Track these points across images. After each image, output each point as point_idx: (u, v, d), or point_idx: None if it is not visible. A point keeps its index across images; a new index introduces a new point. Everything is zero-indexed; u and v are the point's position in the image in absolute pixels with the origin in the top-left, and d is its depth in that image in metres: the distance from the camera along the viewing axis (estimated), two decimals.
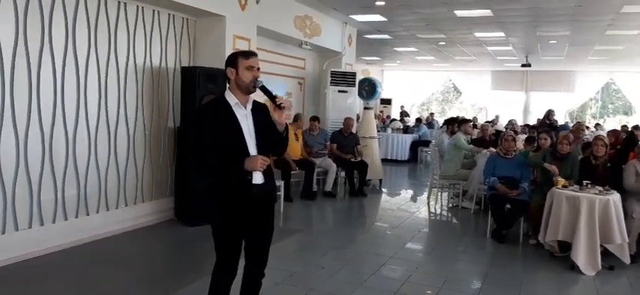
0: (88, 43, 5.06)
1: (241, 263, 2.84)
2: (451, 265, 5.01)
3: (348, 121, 8.45)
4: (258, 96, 2.87)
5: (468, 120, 8.65)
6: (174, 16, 6.12)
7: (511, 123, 13.65)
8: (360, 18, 9.41)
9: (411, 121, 16.42)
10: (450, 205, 7.89)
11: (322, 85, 9.65)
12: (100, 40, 5.18)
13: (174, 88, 6.15)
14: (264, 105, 2.94)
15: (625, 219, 4.86)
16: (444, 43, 12.44)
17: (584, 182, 5.04)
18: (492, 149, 7.13)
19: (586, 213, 4.69)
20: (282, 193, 6.77)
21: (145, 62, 5.76)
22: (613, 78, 17.92)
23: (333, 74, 9.28)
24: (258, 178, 2.74)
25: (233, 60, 2.79)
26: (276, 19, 7.58)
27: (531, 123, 14.13)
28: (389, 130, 14.01)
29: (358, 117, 10.40)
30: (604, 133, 9.21)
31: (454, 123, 8.91)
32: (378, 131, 13.81)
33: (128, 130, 5.61)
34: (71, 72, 4.90)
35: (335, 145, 8.29)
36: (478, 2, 7.83)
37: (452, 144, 7.60)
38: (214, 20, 6.30)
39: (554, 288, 4.42)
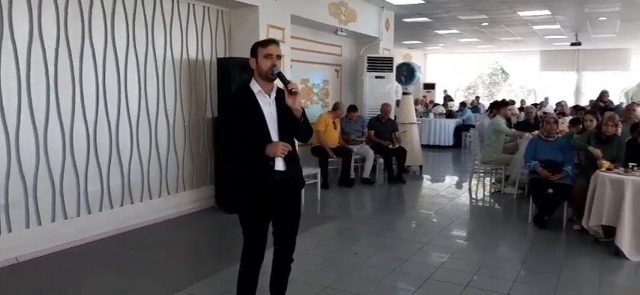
0: (126, 38, 5.25)
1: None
2: (488, 251, 4.91)
3: (385, 107, 8.38)
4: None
5: (507, 103, 8.39)
6: (208, 8, 6.25)
7: (560, 105, 13.12)
8: (397, 1, 9.26)
9: (455, 106, 16.07)
10: (492, 191, 7.71)
11: (359, 72, 9.60)
12: (137, 35, 5.37)
13: (211, 79, 6.30)
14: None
15: None
16: (486, 24, 12.07)
17: (630, 164, 4.82)
18: (535, 132, 6.89)
19: (631, 197, 4.49)
20: (318, 180, 6.83)
21: (181, 55, 5.92)
22: None
23: (370, 60, 9.21)
24: (279, 164, 2.79)
25: (254, 50, 2.84)
26: (310, 7, 7.59)
27: (582, 105, 13.54)
28: (431, 115, 13.78)
29: (397, 103, 10.31)
30: None
31: (502, 107, 8.64)
32: (421, 116, 13.67)
33: (168, 121, 5.81)
34: (111, 67, 5.12)
35: (372, 132, 8.25)
36: None
37: (492, 128, 7.40)
38: (248, 11, 6.39)
39: (595, 274, 4.26)
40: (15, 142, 4.29)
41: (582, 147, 5.52)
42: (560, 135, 6.12)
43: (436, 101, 17.35)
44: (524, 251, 4.82)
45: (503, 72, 22.06)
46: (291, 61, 7.41)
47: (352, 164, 7.87)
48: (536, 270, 4.30)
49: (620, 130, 6.14)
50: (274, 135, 2.80)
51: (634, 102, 9.00)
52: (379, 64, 9.25)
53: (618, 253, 4.53)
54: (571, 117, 7.56)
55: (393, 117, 8.79)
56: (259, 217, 2.86)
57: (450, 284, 3.89)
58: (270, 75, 2.76)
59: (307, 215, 5.98)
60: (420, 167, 9.15)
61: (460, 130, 13.30)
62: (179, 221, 5.72)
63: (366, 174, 7.97)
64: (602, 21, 11.19)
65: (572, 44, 13.79)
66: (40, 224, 4.51)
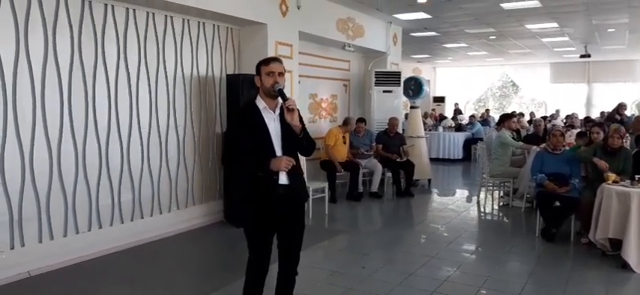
0: (138, 55, 5.39)
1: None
2: (495, 265, 4.92)
3: (392, 121, 8.43)
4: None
5: (512, 116, 8.39)
6: (218, 26, 6.38)
7: (570, 118, 13.07)
8: (405, 17, 9.36)
9: (465, 119, 16.07)
10: (501, 204, 7.70)
11: (367, 86, 9.68)
12: (149, 53, 5.50)
13: (220, 95, 6.42)
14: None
15: None
16: (494, 37, 12.13)
17: (637, 176, 4.81)
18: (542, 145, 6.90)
19: (637, 209, 4.49)
20: (326, 194, 6.88)
21: (192, 71, 6.05)
22: None
23: (378, 74, 9.29)
24: (283, 178, 2.86)
25: (258, 68, 2.94)
26: (318, 24, 7.71)
27: (593, 117, 13.45)
28: (440, 129, 13.80)
29: (406, 117, 10.36)
30: None
31: (507, 119, 8.66)
32: (430, 130, 13.70)
33: (178, 137, 5.92)
34: (123, 83, 5.25)
35: (380, 146, 8.30)
36: None
37: (498, 141, 7.42)
38: (256, 28, 6.51)
39: (602, 287, 4.24)
40: (29, 158, 4.41)
41: (587, 159, 5.52)
42: (567, 148, 6.12)
43: (445, 114, 17.37)
44: (531, 265, 4.82)
45: (514, 84, 22.00)
46: (300, 76, 7.51)
47: (360, 178, 7.92)
48: (543, 283, 4.30)
49: (628, 143, 6.15)
50: (278, 150, 2.88)
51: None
52: (387, 79, 9.33)
53: (625, 266, 4.51)
54: (578, 130, 7.53)
55: (401, 131, 8.84)
56: (264, 230, 2.94)
57: None
58: (273, 92, 2.84)
59: (315, 229, 6.10)
60: (429, 181, 9.17)
61: (469, 144, 13.29)
62: (188, 236, 5.81)
63: (374, 187, 8.01)
64: (611, 33, 11.18)
65: (582, 56, 13.76)
66: (52, 238, 4.62)
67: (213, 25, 6.32)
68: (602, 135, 5.94)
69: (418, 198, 8.16)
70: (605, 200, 4.75)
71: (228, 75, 6.39)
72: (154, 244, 5.41)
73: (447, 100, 19.68)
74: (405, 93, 9.40)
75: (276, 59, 2.99)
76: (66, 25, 4.66)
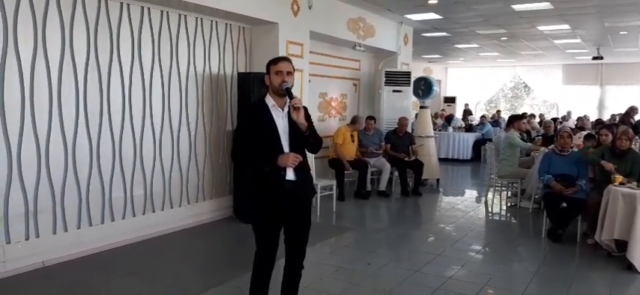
0: (152, 53, 5.51)
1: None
2: (499, 264, 4.97)
3: (402, 121, 8.48)
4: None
5: (521, 117, 8.41)
6: (230, 25, 6.49)
7: (581, 120, 13.01)
8: (415, 17, 9.40)
9: (475, 119, 16.05)
10: (508, 204, 7.72)
11: (377, 86, 9.73)
12: (162, 51, 5.62)
13: (231, 93, 6.52)
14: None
15: None
16: (506, 38, 12.10)
17: None
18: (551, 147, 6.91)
19: None
20: (334, 192, 6.96)
21: (204, 70, 6.16)
22: None
23: (388, 74, 9.34)
24: (290, 174, 2.95)
25: (267, 67, 3.03)
26: (329, 23, 7.78)
27: (605, 119, 13.37)
28: (450, 129, 13.81)
29: (417, 116, 10.40)
30: None
31: (516, 121, 8.67)
32: (440, 130, 13.72)
33: (190, 133, 6.03)
34: (137, 81, 5.37)
35: (389, 145, 8.36)
36: None
37: (506, 142, 7.44)
38: (268, 27, 6.60)
39: (605, 288, 4.28)
40: (45, 152, 4.54)
41: (594, 161, 5.54)
42: (575, 149, 6.14)
43: (456, 115, 17.35)
44: (536, 265, 4.86)
45: (526, 86, 21.89)
46: (310, 75, 7.59)
47: (368, 176, 7.99)
48: (546, 283, 4.35)
49: (637, 146, 6.14)
50: (286, 147, 2.96)
51: None
52: (397, 79, 9.37)
53: (630, 267, 4.54)
54: (587, 132, 7.53)
55: (410, 130, 8.89)
56: (271, 224, 3.02)
57: (458, 294, 3.97)
58: (280, 91, 2.93)
59: (323, 226, 6.19)
60: (437, 180, 9.21)
61: (480, 144, 13.28)
62: (198, 230, 5.92)
63: (382, 186, 8.07)
64: (624, 35, 11.11)
65: (594, 58, 13.67)
66: (66, 230, 4.76)
67: (226, 24, 6.43)
68: (610, 137, 5.95)
69: (426, 197, 8.20)
70: (612, 201, 4.77)
71: (239, 74, 6.49)
72: (165, 237, 5.53)
73: (458, 101, 19.65)
74: (415, 93, 9.45)
75: (285, 59, 3.08)
76: (82, 23, 4.79)
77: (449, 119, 15.37)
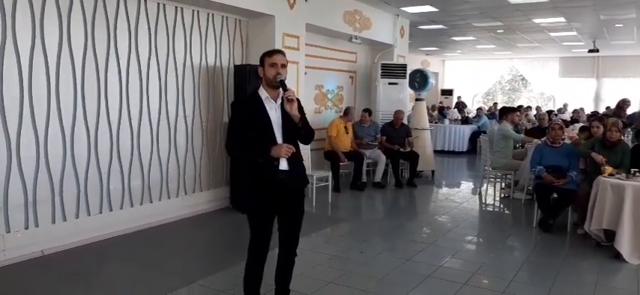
0: (148, 46, 5.57)
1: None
2: (490, 253, 5.07)
3: (398, 114, 8.56)
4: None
5: (515, 109, 8.50)
6: (227, 17, 6.55)
7: (576, 112, 13.10)
8: (412, 9, 9.45)
9: (472, 112, 16.14)
10: (502, 196, 7.82)
11: (373, 78, 9.79)
12: (159, 44, 5.68)
13: (228, 85, 6.59)
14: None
15: None
16: (502, 31, 12.15)
17: (632, 170, 4.93)
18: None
19: (630, 201, 4.61)
20: (330, 183, 7.05)
21: (201, 62, 6.22)
22: None
23: (384, 67, 9.41)
24: (284, 164, 3.03)
25: (261, 59, 3.10)
26: (325, 16, 7.84)
27: (600, 112, 13.45)
28: (446, 121, 13.89)
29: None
30: None
31: (510, 113, 8.75)
32: (436, 122, 13.81)
33: (186, 125, 6.11)
34: (134, 73, 5.44)
35: (384, 137, 8.43)
36: None
37: (500, 133, 7.53)
38: (265, 20, 6.67)
39: (593, 276, 4.37)
40: (43, 143, 4.62)
41: (585, 153, 5.63)
42: (566, 141, 6.23)
43: (448, 107, 17.44)
44: (526, 254, 4.97)
45: (523, 78, 21.95)
46: (307, 67, 7.66)
47: (364, 168, 8.08)
48: (535, 271, 4.45)
49: (630, 138, 6.24)
50: (279, 138, 3.04)
51: None
52: (393, 71, 9.44)
53: (618, 256, 4.64)
54: (581, 124, 7.62)
55: (406, 122, 8.97)
56: (265, 214, 3.10)
57: (448, 282, 4.07)
58: (274, 83, 3.00)
59: (318, 216, 6.29)
60: (432, 172, 9.31)
61: (476, 136, 13.36)
62: (195, 220, 6.01)
63: (378, 178, 8.16)
64: (619, 28, 11.17)
65: (590, 51, 13.73)
66: (65, 220, 4.84)
67: (222, 16, 6.48)
68: (602, 129, 6.03)
69: (421, 188, 8.29)
70: (601, 192, 4.87)
71: (236, 66, 6.56)
72: (162, 227, 5.62)
73: (455, 93, 19.71)
74: (411, 85, 9.52)
75: (279, 51, 3.15)
76: (80, 16, 4.85)
77: (441, 110, 15.49)
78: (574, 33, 12.05)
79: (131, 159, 5.48)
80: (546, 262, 4.68)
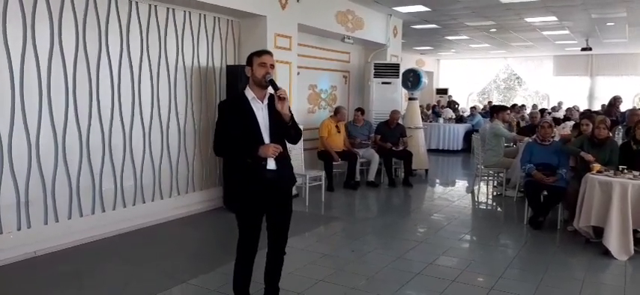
0: (140, 47, 5.59)
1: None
2: (480, 250, 5.11)
3: (394, 114, 8.58)
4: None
5: (506, 107, 8.56)
6: (219, 18, 6.57)
7: (570, 110, 13.16)
8: (404, 9, 9.49)
9: (466, 110, 16.20)
10: (495, 194, 7.87)
11: (366, 78, 9.83)
12: (151, 44, 5.70)
13: (220, 85, 6.61)
14: None
15: None
16: (495, 30, 12.21)
17: (621, 167, 4.98)
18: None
19: (618, 198, 4.65)
20: (323, 183, 7.08)
21: (193, 62, 6.24)
22: None
23: (377, 66, 9.45)
24: (271, 164, 3.06)
25: (249, 59, 3.12)
26: (318, 16, 7.87)
27: (594, 110, 13.51)
28: (441, 120, 13.95)
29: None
30: None
31: (501, 111, 8.81)
32: (431, 121, 13.87)
33: (179, 125, 6.13)
34: (126, 73, 5.45)
35: (379, 136, 8.47)
36: None
37: (492, 132, 7.58)
38: (257, 20, 6.69)
39: (581, 272, 4.41)
40: (35, 144, 4.64)
41: (573, 152, 5.68)
42: (556, 139, 6.28)
43: (439, 106, 17.50)
44: (516, 250, 5.01)
45: (518, 77, 22.04)
46: (299, 67, 7.69)
47: (358, 167, 8.11)
48: (524, 268, 4.50)
49: (620, 135, 6.29)
50: (266, 138, 3.07)
51: (634, 110, 8.99)
52: (386, 70, 9.48)
53: (607, 253, 4.69)
54: (573, 122, 7.68)
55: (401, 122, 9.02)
56: (254, 213, 3.14)
57: (438, 279, 4.11)
58: (264, 82, 3.02)
59: (311, 216, 6.33)
60: (426, 171, 9.35)
61: (470, 135, 13.40)
62: (188, 220, 6.03)
63: (371, 177, 8.19)
64: (611, 26, 11.25)
65: (583, 49, 13.82)
66: (57, 221, 4.86)
67: (214, 17, 6.51)
68: (591, 127, 6.08)
69: (414, 187, 8.33)
70: (589, 189, 4.91)
71: (228, 66, 6.59)
72: (155, 227, 5.64)
73: (450, 92, 19.77)
74: (404, 84, 9.56)
75: (268, 52, 3.17)
76: (71, 16, 4.87)
77: (433, 109, 15.56)
78: (566, 31, 12.12)
79: (123, 160, 5.50)
80: (536, 258, 4.73)
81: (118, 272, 4.28)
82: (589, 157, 5.38)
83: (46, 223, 4.78)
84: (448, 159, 12.44)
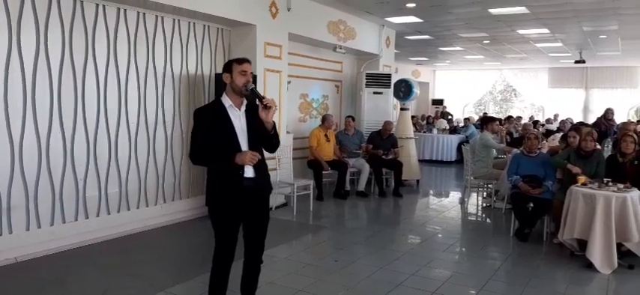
0: (128, 54, 5.60)
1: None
2: (464, 261, 5.09)
3: (387, 125, 8.57)
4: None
5: (495, 119, 8.58)
6: (208, 26, 6.58)
7: (563, 123, 13.18)
8: (396, 20, 9.52)
9: (460, 121, 16.23)
10: (484, 205, 7.85)
11: (358, 88, 9.84)
12: (139, 52, 5.70)
13: (209, 93, 6.61)
14: (257, 107, 3.19)
15: None
16: (488, 42, 12.26)
17: (605, 179, 4.97)
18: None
19: (601, 211, 4.64)
20: (311, 192, 7.06)
21: (181, 70, 6.24)
22: None
23: (369, 76, 9.47)
24: (249, 172, 3.04)
25: (228, 66, 3.09)
26: (309, 25, 7.88)
27: (588, 122, 13.54)
28: (434, 131, 13.96)
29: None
30: None
31: (490, 122, 8.82)
32: (424, 131, 13.88)
33: (166, 133, 6.12)
34: (113, 80, 5.45)
35: (371, 145, 8.46)
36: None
37: (481, 143, 7.58)
38: (246, 29, 6.71)
39: (563, 285, 4.39)
40: (18, 149, 4.62)
41: (560, 164, 5.68)
42: (543, 151, 6.29)
43: (431, 117, 17.54)
44: (500, 262, 4.99)
45: (514, 89, 22.10)
46: (291, 76, 7.70)
47: (348, 177, 8.09)
48: (506, 280, 4.48)
49: (609, 147, 6.28)
50: (244, 146, 3.05)
51: (629, 121, 9.04)
52: (377, 81, 9.50)
53: (590, 266, 4.67)
54: (562, 134, 7.69)
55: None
56: (230, 220, 3.12)
57: (417, 290, 4.08)
58: (244, 91, 3.00)
59: (299, 225, 6.31)
60: (417, 181, 9.33)
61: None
62: (173, 228, 6.01)
63: (362, 187, 8.18)
64: (603, 39, 11.29)
65: (577, 62, 13.86)
66: (39, 227, 4.83)
67: (204, 25, 6.52)
68: (578, 139, 6.08)
69: (404, 197, 8.30)
70: (573, 201, 4.90)
71: (217, 75, 6.58)
72: (140, 235, 5.61)
73: (446, 103, 19.80)
74: (396, 94, 9.57)
75: (247, 60, 3.13)
76: (57, 23, 4.87)
77: (428, 119, 15.61)
78: (559, 44, 12.17)
79: (108, 167, 5.48)
80: (519, 271, 4.71)
81: (98, 280, 4.24)
82: (575, 169, 5.38)
83: (28, 229, 4.76)
84: (441, 169, 12.44)
